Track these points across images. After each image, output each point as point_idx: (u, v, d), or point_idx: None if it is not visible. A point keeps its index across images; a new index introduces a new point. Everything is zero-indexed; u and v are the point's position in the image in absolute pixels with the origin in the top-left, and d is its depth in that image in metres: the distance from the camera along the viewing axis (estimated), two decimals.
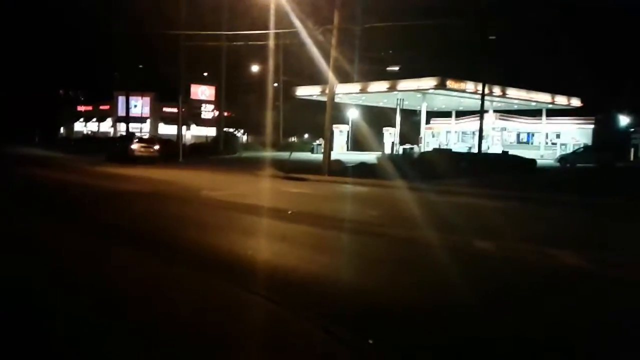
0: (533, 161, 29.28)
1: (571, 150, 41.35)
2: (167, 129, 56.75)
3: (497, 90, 40.62)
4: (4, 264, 6.51)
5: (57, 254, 7.15)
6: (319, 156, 30.69)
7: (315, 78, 37.47)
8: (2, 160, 29.43)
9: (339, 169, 23.54)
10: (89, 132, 66.26)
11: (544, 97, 45.08)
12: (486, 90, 30.97)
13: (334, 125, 38.83)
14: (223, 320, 4.76)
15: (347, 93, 43.21)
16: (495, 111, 47.29)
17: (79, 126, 69.21)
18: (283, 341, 4.31)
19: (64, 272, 6.24)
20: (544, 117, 48.53)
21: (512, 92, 42.54)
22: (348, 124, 51.75)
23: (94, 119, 66.82)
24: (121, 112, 54.09)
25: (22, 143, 40.84)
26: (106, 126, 64.81)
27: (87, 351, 3.98)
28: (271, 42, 30.10)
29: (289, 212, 7.68)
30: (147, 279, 6.06)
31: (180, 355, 3.91)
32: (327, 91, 25.85)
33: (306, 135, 67.66)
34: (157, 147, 31.16)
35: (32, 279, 5.87)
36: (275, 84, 53.70)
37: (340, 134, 48.87)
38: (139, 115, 58.35)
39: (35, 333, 4.30)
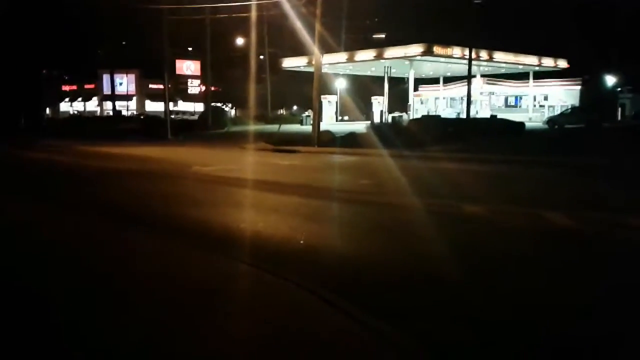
0: (521, 124, 29.44)
1: (559, 112, 41.55)
2: (153, 106, 56.34)
3: (484, 54, 40.52)
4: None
5: (61, 242, 7.19)
6: (308, 128, 30.64)
7: (301, 49, 37.14)
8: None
9: (329, 140, 23.56)
10: (76, 112, 65.60)
11: (530, 60, 45.04)
12: (473, 55, 30.93)
13: (322, 96, 38.65)
14: (216, 289, 4.86)
15: (334, 63, 42.95)
16: (482, 76, 47.25)
17: (64, 106, 68.47)
18: (276, 309, 4.42)
19: (67, 255, 6.29)
20: (531, 79, 48.58)
21: (499, 55, 42.45)
22: (336, 95, 51.54)
23: (80, 99, 66.13)
24: (106, 90, 53.55)
25: (6, 128, 40.27)
26: (92, 105, 64.20)
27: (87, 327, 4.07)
28: (253, 14, 29.79)
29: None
30: (142, 254, 6.13)
31: (173, 321, 4.00)
32: (313, 62, 25.67)
33: (295, 107, 67.35)
34: None
35: (34, 259, 5.94)
36: (262, 57, 53.26)
37: (329, 104, 48.68)
38: (125, 93, 57.84)
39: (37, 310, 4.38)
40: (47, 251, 6.25)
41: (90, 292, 4.76)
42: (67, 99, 68.23)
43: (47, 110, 68.99)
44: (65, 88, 68.66)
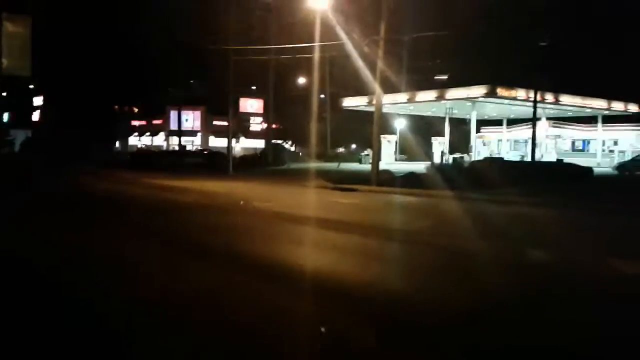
0: (589, 169, 28.34)
1: (629, 158, 39.80)
2: (217, 142, 57.92)
3: (549, 97, 39.60)
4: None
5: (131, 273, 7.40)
6: (367, 167, 30.61)
7: (362, 89, 37.49)
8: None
9: (388, 179, 23.40)
10: (143, 146, 68.30)
11: (599, 103, 43.61)
12: (538, 97, 30.27)
13: (382, 136, 38.73)
14: (277, 326, 4.81)
15: (395, 103, 42.99)
16: (548, 118, 46.08)
17: (133, 140, 71.50)
18: (336, 349, 4.32)
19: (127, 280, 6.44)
20: (599, 123, 46.97)
21: (565, 98, 41.36)
22: (396, 134, 51.49)
23: (148, 133, 68.89)
24: (173, 126, 55.54)
25: (78, 160, 42.20)
26: (159, 140, 66.66)
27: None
28: (316, 55, 30.37)
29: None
30: (203, 286, 6.20)
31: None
32: (374, 102, 25.81)
33: (354, 146, 67.67)
34: None
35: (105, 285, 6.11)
36: (322, 96, 54.14)
37: (389, 144, 48.60)
38: (191, 129, 59.88)
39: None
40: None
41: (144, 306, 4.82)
42: (136, 133, 71.28)
43: (117, 144, 72.39)
44: (135, 123, 71.84)
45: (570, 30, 43.10)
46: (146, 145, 68.20)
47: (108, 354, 4.21)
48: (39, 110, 74.31)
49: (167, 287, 6.20)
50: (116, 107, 70.94)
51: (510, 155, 45.32)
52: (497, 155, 43.09)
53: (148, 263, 7.55)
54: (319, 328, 4.81)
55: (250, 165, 39.84)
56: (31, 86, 69.17)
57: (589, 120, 47.93)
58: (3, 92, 16.28)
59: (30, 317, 5.02)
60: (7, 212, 12.61)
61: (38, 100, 73.88)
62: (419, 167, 28.34)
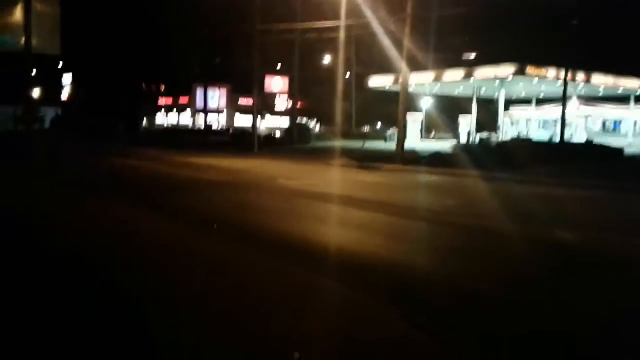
0: (619, 150, 27.76)
1: None
2: (242, 120, 58.19)
3: (580, 75, 38.62)
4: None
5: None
6: (392, 145, 30.38)
7: (387, 67, 37.12)
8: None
9: (413, 158, 23.28)
10: (169, 125, 68.97)
11: (632, 83, 42.40)
12: (569, 76, 29.55)
13: (407, 114, 38.36)
14: (301, 305, 4.89)
15: (421, 82, 42.46)
16: (578, 97, 45.06)
17: (160, 118, 72.19)
18: (359, 326, 4.38)
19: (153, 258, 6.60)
20: (632, 103, 45.76)
21: (597, 77, 40.29)
22: (421, 113, 50.96)
23: (174, 111, 69.44)
24: (199, 104, 55.91)
25: (106, 137, 42.75)
26: (185, 118, 67.16)
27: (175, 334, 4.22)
28: (342, 34, 30.11)
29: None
30: (227, 264, 6.31)
31: (258, 339, 4.06)
32: (400, 81, 25.55)
33: (379, 125, 67.27)
34: None
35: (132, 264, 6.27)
36: (348, 73, 53.75)
37: (414, 122, 48.15)
38: (216, 107, 60.18)
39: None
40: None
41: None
42: (162, 111, 71.93)
43: (144, 121, 73.16)
44: (162, 101, 72.45)
45: (604, 7, 41.89)
46: (172, 124, 68.87)
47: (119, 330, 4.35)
48: (68, 88, 75.31)
49: (190, 267, 6.33)
50: (143, 85, 71.51)
51: (539, 134, 44.57)
52: (524, 135, 42.45)
53: (167, 239, 7.70)
54: (340, 303, 4.88)
55: (275, 143, 39.95)
56: (60, 63, 70.00)
57: (621, 99, 46.74)
58: (33, 69, 16.56)
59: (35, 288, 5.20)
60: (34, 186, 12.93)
61: (67, 78, 74.84)
62: (445, 146, 28.10)
